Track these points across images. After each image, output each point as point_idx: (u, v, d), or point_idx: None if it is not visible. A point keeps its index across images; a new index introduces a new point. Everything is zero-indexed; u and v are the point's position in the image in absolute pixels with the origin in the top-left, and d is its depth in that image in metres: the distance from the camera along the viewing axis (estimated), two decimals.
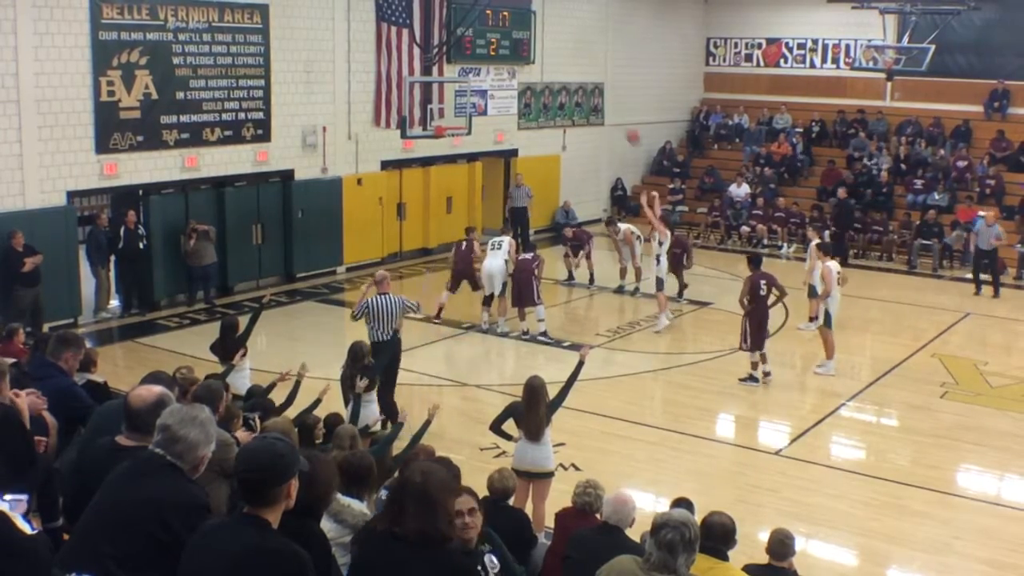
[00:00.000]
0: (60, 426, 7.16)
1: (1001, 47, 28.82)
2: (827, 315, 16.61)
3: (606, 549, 6.14)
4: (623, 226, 21.83)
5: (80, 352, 8.38)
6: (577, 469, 11.99)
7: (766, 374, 16.00)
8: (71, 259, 17.90)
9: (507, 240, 19.21)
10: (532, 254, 18.32)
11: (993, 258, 22.76)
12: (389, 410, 12.59)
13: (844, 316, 19.13)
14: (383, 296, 13.56)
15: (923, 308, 21.35)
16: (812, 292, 18.31)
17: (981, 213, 23.96)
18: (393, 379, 13.38)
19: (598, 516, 7.74)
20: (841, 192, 26.49)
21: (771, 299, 15.98)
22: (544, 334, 17.91)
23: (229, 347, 12.75)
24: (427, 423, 9.87)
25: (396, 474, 7.25)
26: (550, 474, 10.48)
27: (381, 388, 12.57)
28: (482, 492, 7.89)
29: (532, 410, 10.33)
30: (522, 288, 17.82)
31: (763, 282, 15.81)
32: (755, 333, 15.80)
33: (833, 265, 16.96)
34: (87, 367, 8.94)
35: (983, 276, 22.67)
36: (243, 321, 13.30)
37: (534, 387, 10.40)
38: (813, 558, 10.40)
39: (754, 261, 16.27)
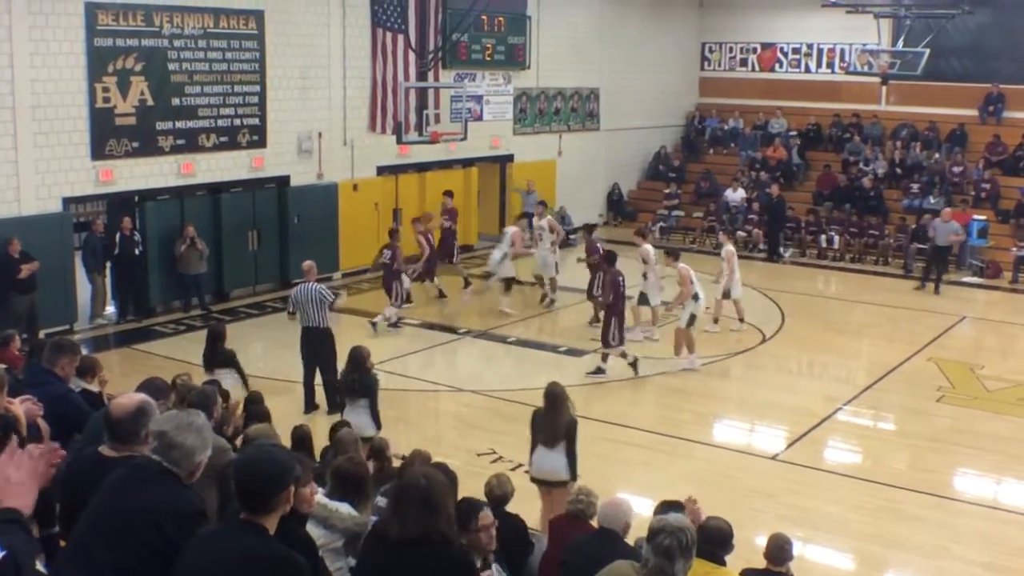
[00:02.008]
0: (55, 433, 7.13)
1: (996, 51, 28.86)
2: (691, 317, 16.93)
3: (603, 555, 6.13)
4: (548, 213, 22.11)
5: (76, 359, 8.35)
6: None
7: (633, 364, 16.36)
8: (67, 266, 17.89)
9: (510, 231, 20.29)
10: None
11: (945, 255, 23.47)
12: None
13: (840, 320, 19.20)
14: (305, 284, 14.34)
15: (919, 312, 21.36)
16: (727, 295, 19.18)
17: (947, 210, 24.18)
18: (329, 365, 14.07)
19: (592, 523, 7.73)
20: (774, 189, 27.06)
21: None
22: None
23: (211, 358, 12.70)
24: None
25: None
26: (563, 483, 10.22)
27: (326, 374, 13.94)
28: (480, 498, 7.89)
29: (550, 416, 10.22)
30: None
31: (621, 279, 16.15)
32: (620, 328, 16.10)
33: (683, 268, 17.28)
34: (85, 374, 8.91)
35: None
36: (230, 330, 13.43)
37: (554, 394, 10.27)
38: (810, 563, 10.39)
39: (609, 259, 16.74)
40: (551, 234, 20.85)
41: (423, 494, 5.03)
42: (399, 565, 5.02)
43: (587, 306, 19.57)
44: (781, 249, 26.58)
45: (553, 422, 10.19)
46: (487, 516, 6.24)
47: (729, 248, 19.37)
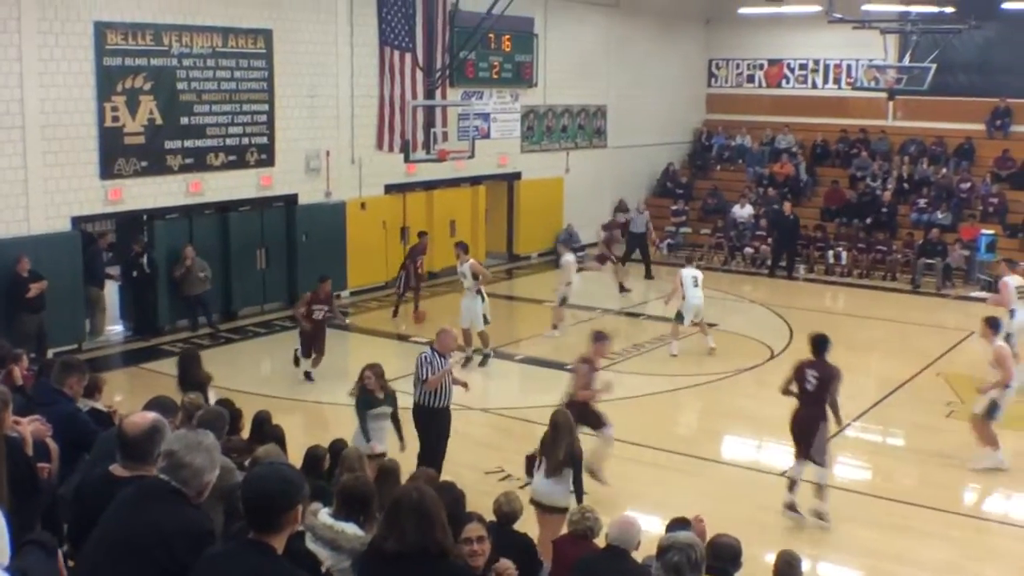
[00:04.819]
0: (64, 452, 7.15)
1: (1002, 65, 28.88)
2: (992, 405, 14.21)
3: (613, 572, 6.13)
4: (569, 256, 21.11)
5: (84, 377, 8.37)
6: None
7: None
8: (76, 285, 17.92)
9: (570, 258, 20.32)
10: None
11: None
12: None
13: (848, 337, 19.10)
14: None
15: (927, 327, 21.32)
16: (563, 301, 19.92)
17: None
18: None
19: (596, 541, 7.71)
20: (787, 207, 27.07)
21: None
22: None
23: (183, 381, 12.43)
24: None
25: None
26: (559, 510, 10.05)
27: None
28: (489, 516, 7.87)
29: (552, 446, 10.19)
30: None
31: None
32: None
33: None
34: (92, 393, 8.93)
35: None
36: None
37: (556, 424, 10.24)
38: None
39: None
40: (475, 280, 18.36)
41: (417, 507, 5.09)
42: None
43: (595, 324, 19.53)
44: (795, 266, 26.54)
45: (554, 453, 10.16)
46: (475, 529, 6.21)
47: (682, 271, 19.32)
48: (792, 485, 11.85)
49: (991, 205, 27.15)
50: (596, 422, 12.32)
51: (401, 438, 11.76)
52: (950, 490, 12.97)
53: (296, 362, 17.00)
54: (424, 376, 11.79)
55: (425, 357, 11.93)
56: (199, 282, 19.25)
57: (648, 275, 25.81)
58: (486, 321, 18.19)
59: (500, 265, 26.50)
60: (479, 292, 18.21)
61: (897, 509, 12.19)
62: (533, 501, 10.14)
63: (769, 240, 27.14)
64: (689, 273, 19.07)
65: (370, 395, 11.55)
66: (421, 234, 21.98)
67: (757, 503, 12.26)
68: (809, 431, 11.75)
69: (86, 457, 7.18)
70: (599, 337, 12.84)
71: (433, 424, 11.93)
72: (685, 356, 18.96)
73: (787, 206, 27.11)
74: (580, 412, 11.62)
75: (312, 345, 16.85)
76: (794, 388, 11.95)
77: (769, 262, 26.89)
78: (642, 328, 20.81)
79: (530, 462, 11.00)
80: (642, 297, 24.04)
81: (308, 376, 16.78)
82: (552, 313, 20.39)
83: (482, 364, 18.03)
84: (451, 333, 12.58)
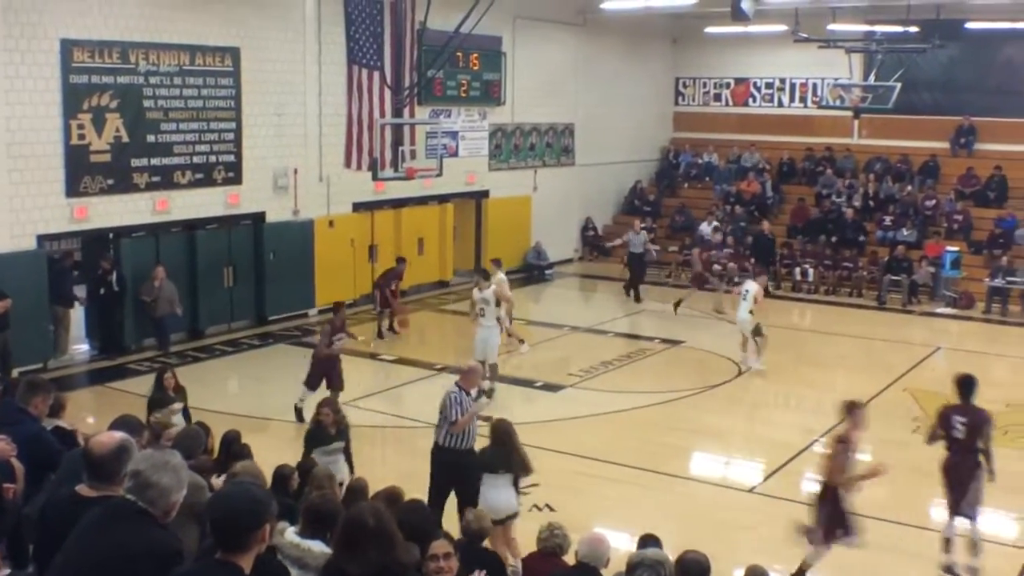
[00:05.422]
0: (29, 472, 7.09)
1: (966, 84, 29.20)
2: None
3: None
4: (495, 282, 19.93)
5: (50, 397, 8.32)
6: (551, 509, 11.95)
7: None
8: (41, 303, 17.77)
9: (754, 287, 19.40)
10: None
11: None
12: None
13: (816, 352, 19.22)
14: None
15: (894, 343, 21.47)
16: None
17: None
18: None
19: (565, 559, 7.71)
20: (764, 225, 27.38)
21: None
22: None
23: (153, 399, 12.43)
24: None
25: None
26: (511, 516, 10.22)
27: None
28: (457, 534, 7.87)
29: (507, 456, 10.21)
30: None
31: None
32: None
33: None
34: (56, 412, 8.87)
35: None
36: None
37: (509, 432, 10.26)
38: None
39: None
40: (496, 307, 17.51)
41: (375, 530, 5.11)
42: None
43: (563, 341, 19.58)
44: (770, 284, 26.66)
45: (509, 459, 10.16)
46: (440, 546, 6.23)
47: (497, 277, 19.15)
48: (947, 544, 11.00)
49: (956, 222, 27.40)
50: (842, 522, 10.61)
51: (352, 471, 11.57)
52: (919, 505, 13.04)
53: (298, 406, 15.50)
54: (454, 417, 10.98)
55: (455, 397, 11.11)
56: (167, 304, 19.06)
57: (636, 298, 25.30)
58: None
59: (469, 284, 26.44)
60: (499, 320, 17.48)
61: (864, 524, 12.22)
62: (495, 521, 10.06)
63: (752, 260, 27.12)
64: (744, 287, 19.34)
65: (323, 431, 11.45)
66: (400, 260, 21.89)
67: (725, 520, 12.30)
68: (962, 481, 10.87)
69: (52, 477, 7.12)
70: (853, 408, 10.67)
71: (461, 467, 10.90)
72: (653, 372, 19.03)
73: (765, 225, 27.24)
74: (831, 507, 10.47)
75: (328, 376, 15.54)
76: (941, 433, 11.15)
77: (736, 279, 26.97)
78: (610, 345, 20.82)
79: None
80: (611, 314, 24.06)
81: (300, 414, 15.27)
82: (512, 331, 20.04)
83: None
84: (478, 370, 12.23)
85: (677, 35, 33.35)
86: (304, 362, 16.23)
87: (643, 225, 29.59)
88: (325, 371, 15.57)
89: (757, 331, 18.89)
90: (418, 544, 6.37)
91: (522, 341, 20.03)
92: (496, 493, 10.21)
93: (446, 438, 11.07)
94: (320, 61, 22.11)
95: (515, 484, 10.32)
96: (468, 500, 10.35)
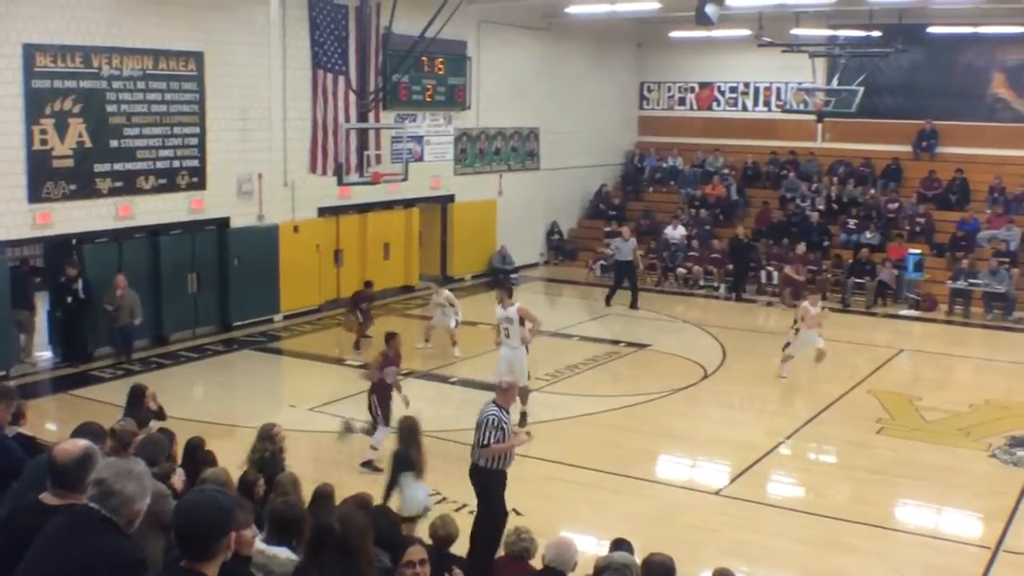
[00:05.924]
0: None
1: (928, 88, 29.43)
2: None
3: None
4: (446, 291, 20.87)
5: (12, 404, 8.25)
6: (519, 514, 11.94)
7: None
8: (3, 310, 17.62)
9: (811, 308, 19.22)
10: None
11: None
12: None
13: (780, 355, 19.27)
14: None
15: (858, 345, 21.60)
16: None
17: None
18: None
19: (532, 563, 7.72)
20: (740, 230, 27.37)
21: None
22: None
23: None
24: None
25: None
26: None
27: None
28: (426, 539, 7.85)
29: (418, 453, 10.67)
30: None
31: None
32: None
33: None
34: (16, 419, 8.79)
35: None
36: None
37: (414, 428, 10.74)
38: None
39: None
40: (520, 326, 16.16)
41: (340, 541, 5.09)
42: None
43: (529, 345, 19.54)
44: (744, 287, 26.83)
45: (420, 456, 10.52)
46: (416, 552, 6.24)
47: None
48: None
49: (918, 225, 27.63)
50: None
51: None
52: (882, 506, 13.13)
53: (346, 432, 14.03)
54: (486, 441, 10.59)
55: (493, 419, 10.67)
56: (127, 313, 18.85)
57: (634, 304, 24.92)
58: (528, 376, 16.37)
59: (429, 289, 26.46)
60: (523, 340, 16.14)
61: (830, 525, 12.32)
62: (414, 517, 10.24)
63: (730, 266, 27.21)
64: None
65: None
66: (367, 284, 21.48)
67: (691, 522, 12.35)
68: None
69: (14, 485, 7.05)
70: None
71: (503, 486, 10.80)
72: (619, 376, 19.08)
73: (741, 230, 27.26)
74: None
75: (384, 409, 14.13)
76: None
77: (702, 282, 27.24)
78: (576, 349, 20.83)
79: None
80: (577, 318, 24.07)
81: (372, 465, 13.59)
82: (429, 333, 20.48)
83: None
84: (516, 387, 11.88)
85: (642, 40, 33.45)
86: (270, 367, 16.15)
87: (608, 229, 29.78)
88: (387, 401, 14.24)
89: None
90: (387, 551, 6.37)
91: (455, 344, 20.11)
92: (411, 492, 10.47)
93: (489, 459, 10.72)
94: (285, 66, 22.02)
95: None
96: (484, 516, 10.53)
